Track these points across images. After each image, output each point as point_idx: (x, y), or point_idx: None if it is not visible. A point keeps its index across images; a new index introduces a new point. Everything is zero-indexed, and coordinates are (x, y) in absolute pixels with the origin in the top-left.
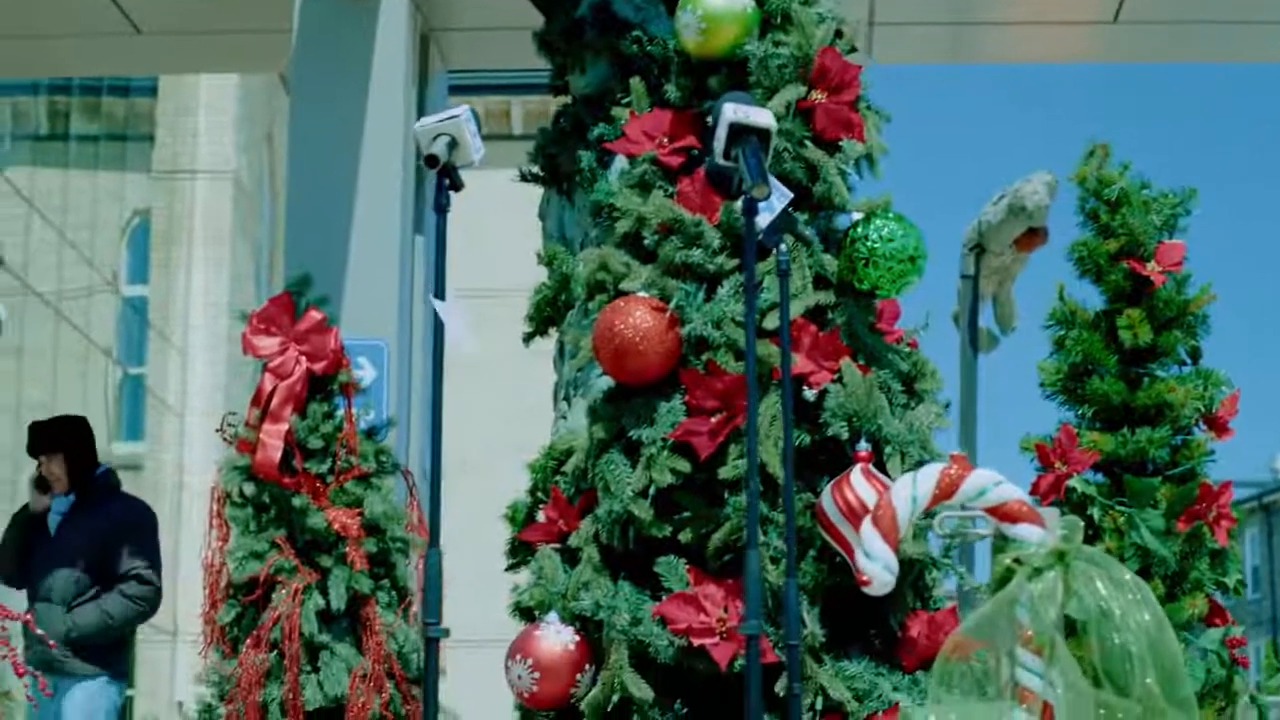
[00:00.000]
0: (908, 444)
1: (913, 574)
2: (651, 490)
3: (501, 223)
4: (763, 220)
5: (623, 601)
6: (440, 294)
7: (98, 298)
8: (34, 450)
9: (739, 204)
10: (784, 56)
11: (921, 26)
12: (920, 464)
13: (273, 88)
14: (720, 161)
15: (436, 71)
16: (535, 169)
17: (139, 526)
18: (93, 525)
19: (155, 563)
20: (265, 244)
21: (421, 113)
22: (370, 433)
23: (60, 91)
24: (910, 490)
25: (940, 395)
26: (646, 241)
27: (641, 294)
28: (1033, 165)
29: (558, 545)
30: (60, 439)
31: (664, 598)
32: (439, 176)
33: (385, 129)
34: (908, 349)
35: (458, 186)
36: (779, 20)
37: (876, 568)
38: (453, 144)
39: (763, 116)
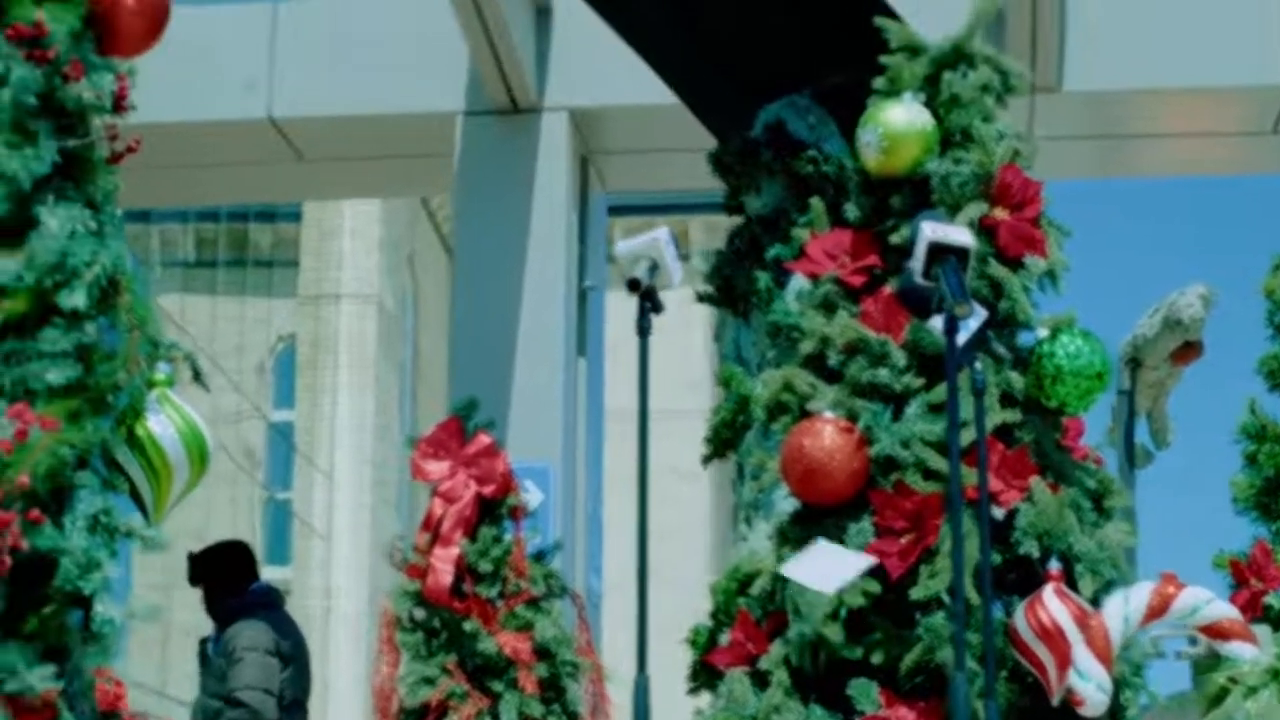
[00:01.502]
0: (1099, 562)
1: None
2: (842, 612)
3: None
4: (959, 338)
5: None
6: (643, 422)
7: (245, 423)
8: (191, 580)
9: (933, 322)
10: (966, 174)
11: (1071, 141)
12: (1111, 583)
13: (414, 211)
14: (920, 280)
15: (595, 193)
16: (711, 290)
17: (238, 648)
18: (216, 651)
19: (259, 682)
20: (408, 367)
21: (582, 235)
22: (539, 556)
23: (208, 219)
24: (1123, 609)
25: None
26: (831, 362)
27: (828, 414)
28: (1187, 278)
29: (746, 668)
30: (199, 571)
31: None
32: (641, 299)
33: (547, 251)
34: (1094, 466)
35: (659, 309)
36: (959, 137)
37: (1090, 688)
38: (654, 267)
39: (962, 235)
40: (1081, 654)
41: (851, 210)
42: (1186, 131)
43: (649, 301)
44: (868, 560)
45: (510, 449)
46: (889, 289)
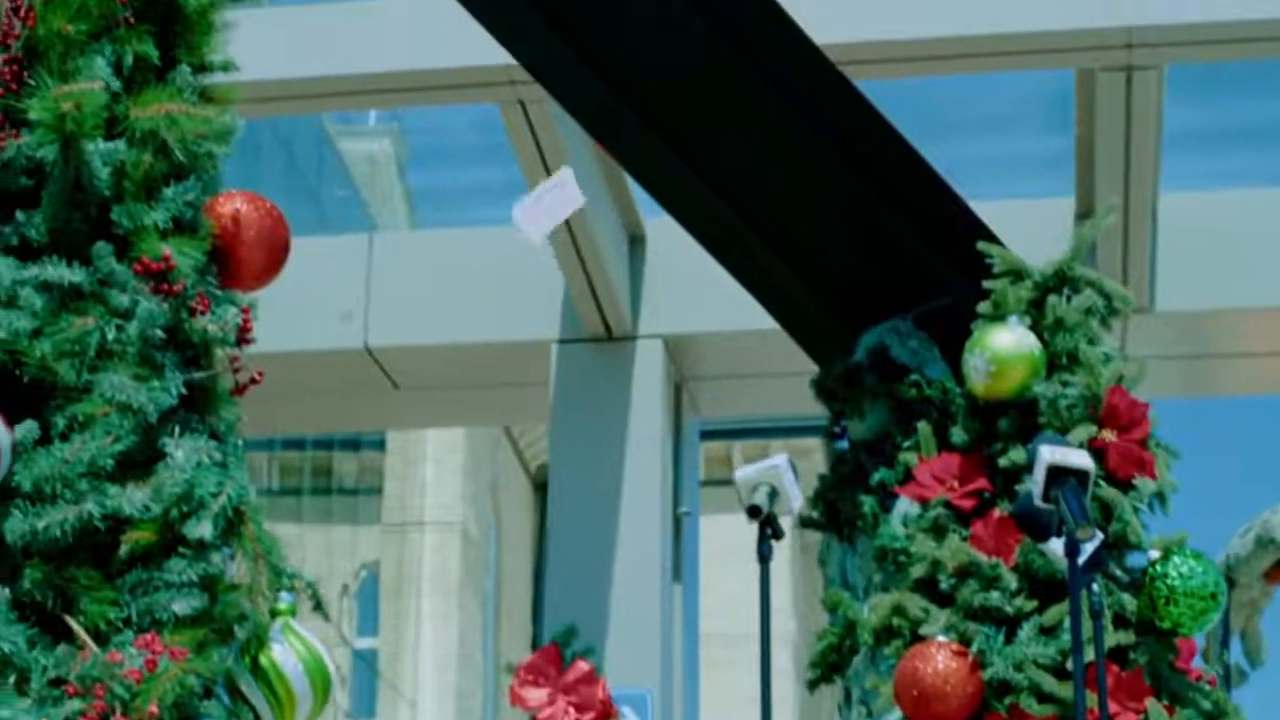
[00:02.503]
0: None
1: None
2: None
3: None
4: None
5: None
6: (765, 646)
7: (330, 650)
8: None
9: (1052, 545)
10: (1073, 397)
11: (1161, 361)
12: None
13: (496, 439)
14: (1039, 503)
15: (689, 419)
16: (815, 514)
17: None
18: None
19: None
20: (491, 594)
21: (676, 460)
22: None
23: (294, 447)
24: None
25: None
26: (942, 585)
27: (941, 638)
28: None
29: None
30: None
31: None
32: (761, 526)
33: (643, 477)
34: (1208, 687)
35: (779, 535)
36: (1065, 360)
37: None
38: (773, 493)
39: (1080, 458)
40: None
41: (958, 434)
42: (1273, 351)
43: (769, 528)
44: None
45: (608, 675)
46: (999, 512)
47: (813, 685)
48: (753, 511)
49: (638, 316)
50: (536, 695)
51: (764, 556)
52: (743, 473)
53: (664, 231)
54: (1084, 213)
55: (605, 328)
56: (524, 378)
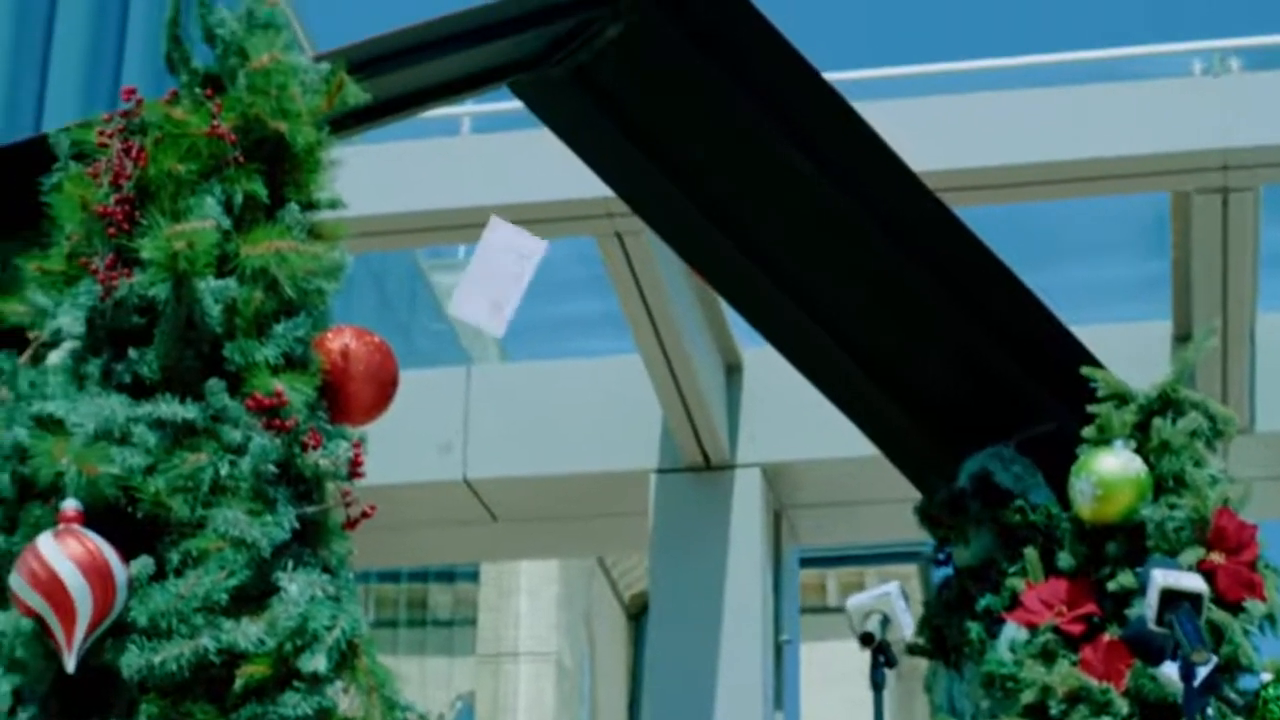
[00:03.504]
0: None
1: None
2: None
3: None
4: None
5: None
6: None
7: None
8: None
9: (1165, 669)
10: (1181, 519)
11: (1264, 482)
12: None
13: (590, 569)
14: (1153, 627)
15: (788, 546)
16: (921, 641)
17: None
18: None
19: None
20: None
21: (776, 588)
22: None
23: (389, 580)
24: None
25: None
26: (1053, 711)
27: None
28: None
29: None
30: None
31: None
32: (874, 654)
33: (743, 605)
34: None
35: (892, 663)
36: (1172, 483)
37: None
38: (885, 620)
39: (1194, 581)
40: None
41: (1065, 559)
42: None
43: (882, 655)
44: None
45: None
46: (1109, 636)
47: None
48: (865, 639)
49: (735, 445)
50: None
51: (877, 684)
52: (855, 600)
53: (760, 360)
54: (1181, 335)
55: (703, 457)
56: (622, 508)
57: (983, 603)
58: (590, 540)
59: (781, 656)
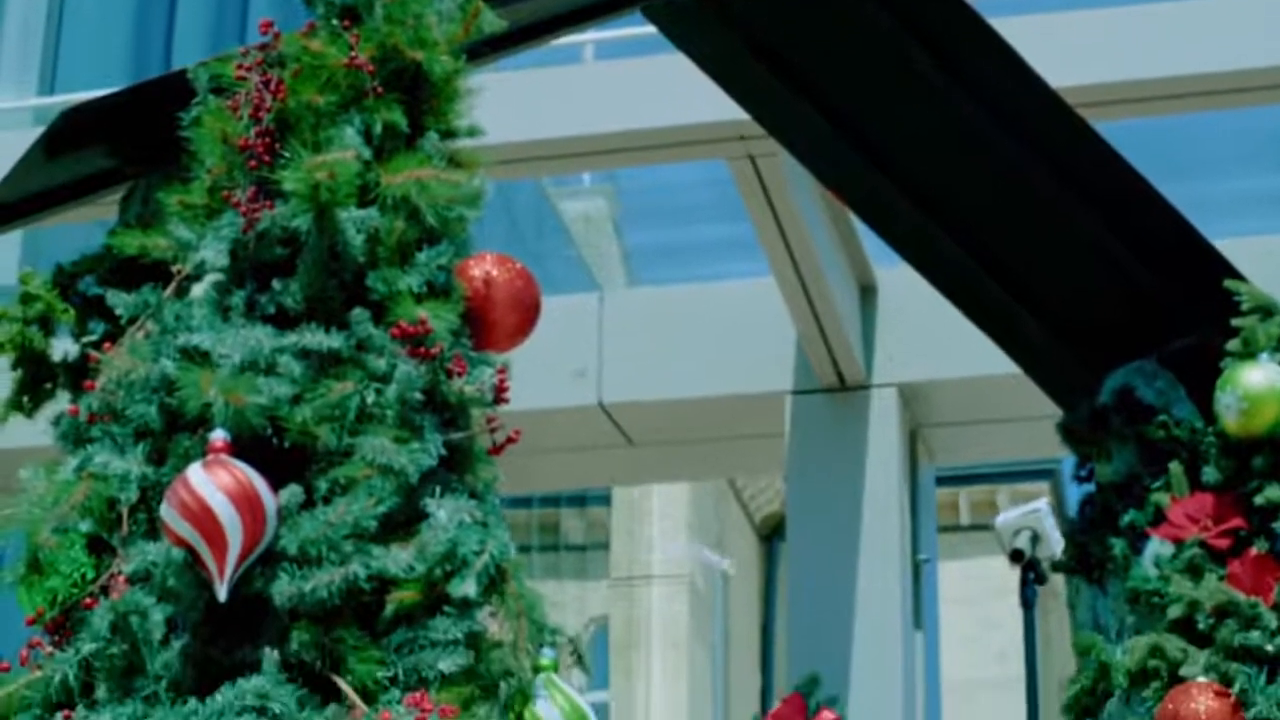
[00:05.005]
0: None
1: None
2: None
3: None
4: None
5: None
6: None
7: None
8: None
9: None
10: None
11: None
12: None
13: (721, 492)
14: None
15: (924, 466)
16: (1065, 558)
17: None
18: None
19: None
20: (719, 648)
21: (913, 508)
22: None
23: (521, 506)
24: None
25: None
26: (1200, 626)
27: (1202, 679)
28: None
29: None
30: None
31: None
32: (1023, 570)
33: (881, 525)
34: None
35: (1043, 580)
36: None
37: None
38: (1035, 538)
39: None
40: None
41: (1210, 473)
42: None
43: (1032, 572)
44: None
45: None
46: (1256, 550)
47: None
48: (1015, 556)
49: (871, 366)
50: None
51: (1028, 601)
52: (1004, 518)
53: (895, 281)
54: None
55: (839, 378)
56: (757, 430)
57: (1126, 518)
58: (725, 462)
59: (920, 576)
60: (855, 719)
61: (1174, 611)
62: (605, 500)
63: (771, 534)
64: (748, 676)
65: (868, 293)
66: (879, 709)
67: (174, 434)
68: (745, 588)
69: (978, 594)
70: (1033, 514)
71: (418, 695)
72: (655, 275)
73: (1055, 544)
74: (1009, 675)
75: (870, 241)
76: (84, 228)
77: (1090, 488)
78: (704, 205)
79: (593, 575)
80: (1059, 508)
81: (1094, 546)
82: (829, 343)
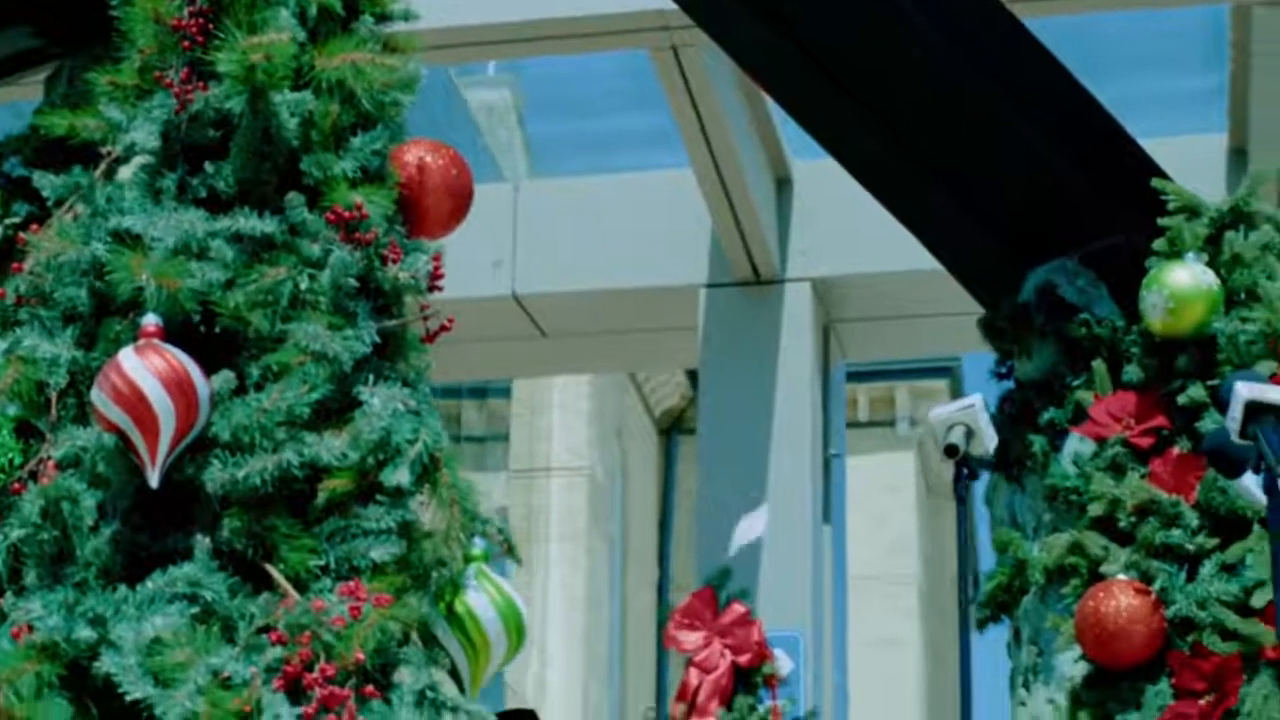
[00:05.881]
0: None
1: None
2: None
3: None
4: (1261, 498)
5: None
6: (964, 586)
7: None
8: None
9: (1244, 482)
10: (1253, 333)
11: None
12: None
13: (621, 385)
14: (1236, 440)
15: (836, 361)
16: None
17: None
18: None
19: None
20: (618, 538)
21: (824, 403)
22: None
23: None
24: None
25: None
26: (1121, 524)
27: (1123, 577)
28: None
29: None
30: None
31: None
32: (957, 466)
33: (792, 419)
34: None
35: (975, 475)
36: (1244, 297)
37: None
38: (969, 433)
39: (1278, 393)
40: None
41: (1133, 372)
42: None
43: (965, 468)
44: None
45: (760, 617)
46: (1178, 450)
47: (982, 624)
48: (950, 451)
49: (785, 260)
50: (692, 638)
51: (961, 497)
52: (938, 412)
53: (811, 175)
54: (1237, 149)
55: (753, 271)
56: (671, 323)
57: (1046, 416)
58: (639, 355)
59: (829, 470)
60: (764, 611)
61: (1095, 509)
62: (505, 392)
63: (671, 427)
64: (645, 569)
65: (783, 186)
66: (788, 601)
67: (104, 318)
68: (643, 481)
69: (874, 490)
70: (967, 409)
71: (353, 584)
72: (558, 167)
73: (990, 440)
74: (901, 571)
75: (787, 135)
76: (4, 109)
77: (1009, 385)
78: (613, 96)
79: (492, 467)
80: None
81: (1013, 444)
82: (745, 236)
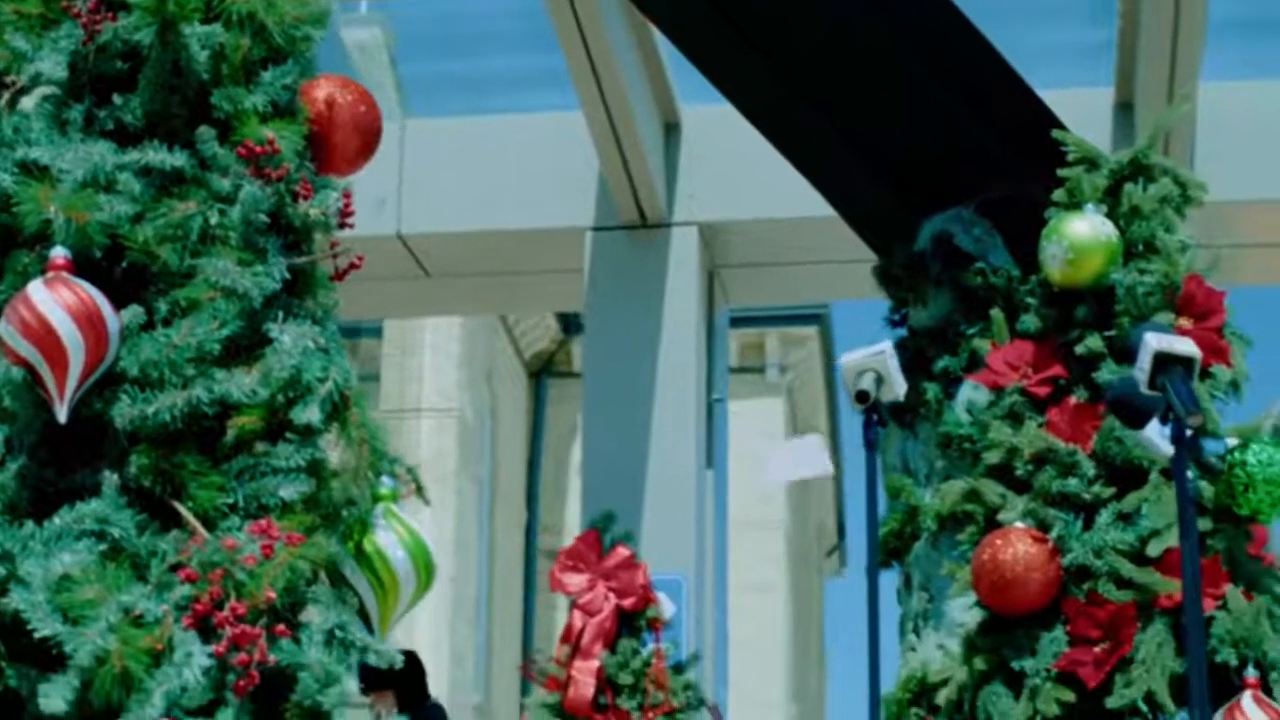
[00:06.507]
0: None
1: None
2: None
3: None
4: (1165, 448)
5: None
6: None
7: None
8: (365, 688)
9: (1149, 432)
10: (1151, 284)
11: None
12: None
13: (492, 328)
14: (1145, 390)
15: (720, 307)
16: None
17: None
18: None
19: None
20: (487, 481)
21: (710, 348)
22: (678, 668)
23: None
24: None
25: None
26: (1018, 472)
27: (1019, 525)
28: None
29: None
30: (387, 676)
31: None
32: (866, 413)
33: (677, 364)
34: None
35: (885, 422)
36: (1142, 248)
37: None
38: (879, 379)
39: (1186, 345)
40: None
41: (1030, 321)
42: None
43: (875, 415)
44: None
45: (643, 561)
46: (1075, 399)
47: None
48: (860, 397)
49: (672, 204)
50: (576, 580)
51: (870, 443)
52: (848, 359)
53: (699, 119)
54: (1123, 103)
55: (640, 215)
56: (557, 264)
57: (940, 364)
58: (525, 296)
59: (713, 415)
60: (648, 554)
61: (992, 457)
62: (377, 333)
63: (540, 370)
64: (514, 512)
65: (671, 130)
66: (671, 545)
67: (11, 250)
68: (513, 423)
69: (745, 436)
70: (877, 356)
71: (264, 522)
72: (436, 109)
73: (899, 386)
74: (771, 517)
75: (677, 78)
76: None
77: (902, 332)
78: (511, 35)
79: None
80: (827, 351)
81: (907, 392)
82: (632, 179)
